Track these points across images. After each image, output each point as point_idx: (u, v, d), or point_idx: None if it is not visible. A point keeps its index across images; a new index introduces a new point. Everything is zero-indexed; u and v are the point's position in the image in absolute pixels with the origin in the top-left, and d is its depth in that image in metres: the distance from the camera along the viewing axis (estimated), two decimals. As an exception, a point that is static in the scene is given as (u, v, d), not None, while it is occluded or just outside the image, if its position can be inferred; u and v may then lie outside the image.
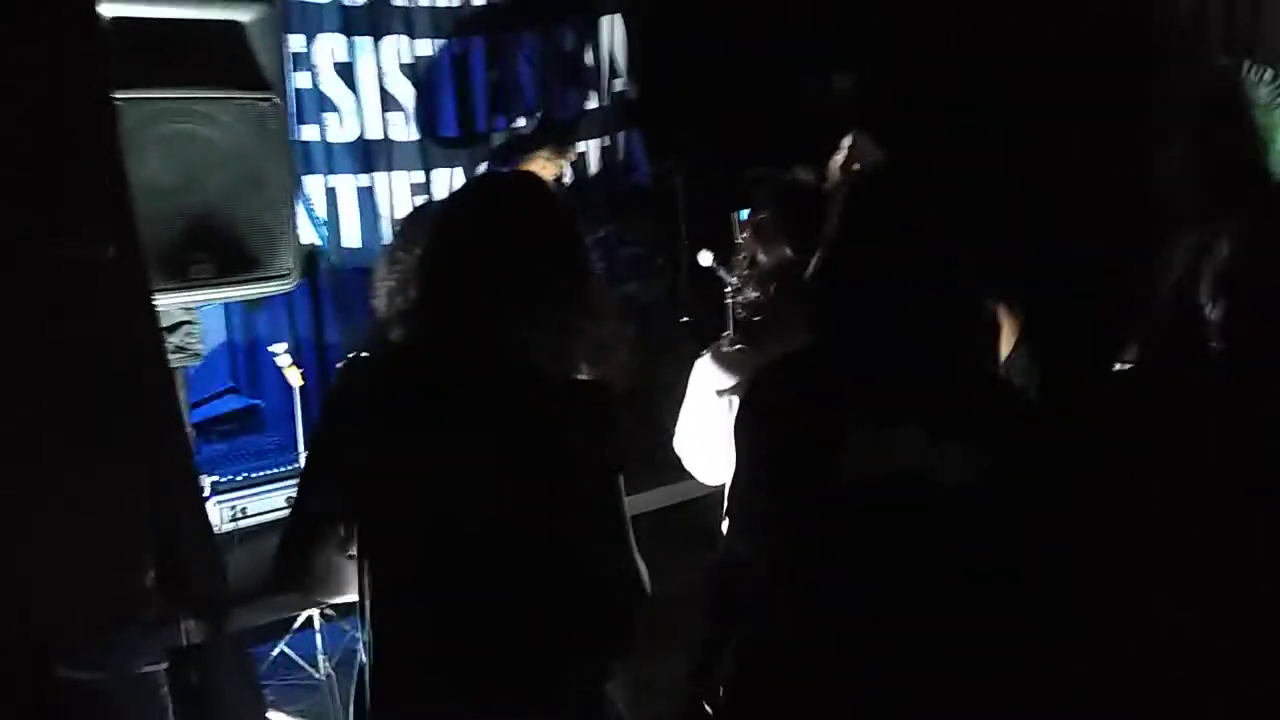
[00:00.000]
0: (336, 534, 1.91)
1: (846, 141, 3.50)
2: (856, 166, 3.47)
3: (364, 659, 1.92)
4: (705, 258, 3.54)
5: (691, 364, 2.59)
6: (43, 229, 2.03)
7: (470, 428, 1.79)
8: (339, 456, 1.87)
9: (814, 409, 1.80)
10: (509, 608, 1.81)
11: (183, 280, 2.94)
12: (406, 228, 2.83)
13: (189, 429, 2.94)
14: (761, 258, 2.46)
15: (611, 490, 1.82)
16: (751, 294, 2.48)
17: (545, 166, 5.47)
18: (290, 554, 1.97)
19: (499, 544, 1.79)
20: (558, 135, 5.66)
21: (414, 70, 5.39)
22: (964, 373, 1.85)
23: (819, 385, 1.83)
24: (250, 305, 4.50)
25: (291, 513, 2.00)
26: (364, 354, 1.99)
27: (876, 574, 1.75)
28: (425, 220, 2.78)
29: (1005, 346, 2.61)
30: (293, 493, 4.27)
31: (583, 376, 1.87)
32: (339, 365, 2.02)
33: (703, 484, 2.69)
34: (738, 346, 2.47)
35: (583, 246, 1.91)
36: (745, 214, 4.20)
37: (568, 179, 5.83)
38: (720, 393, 2.43)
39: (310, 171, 5.20)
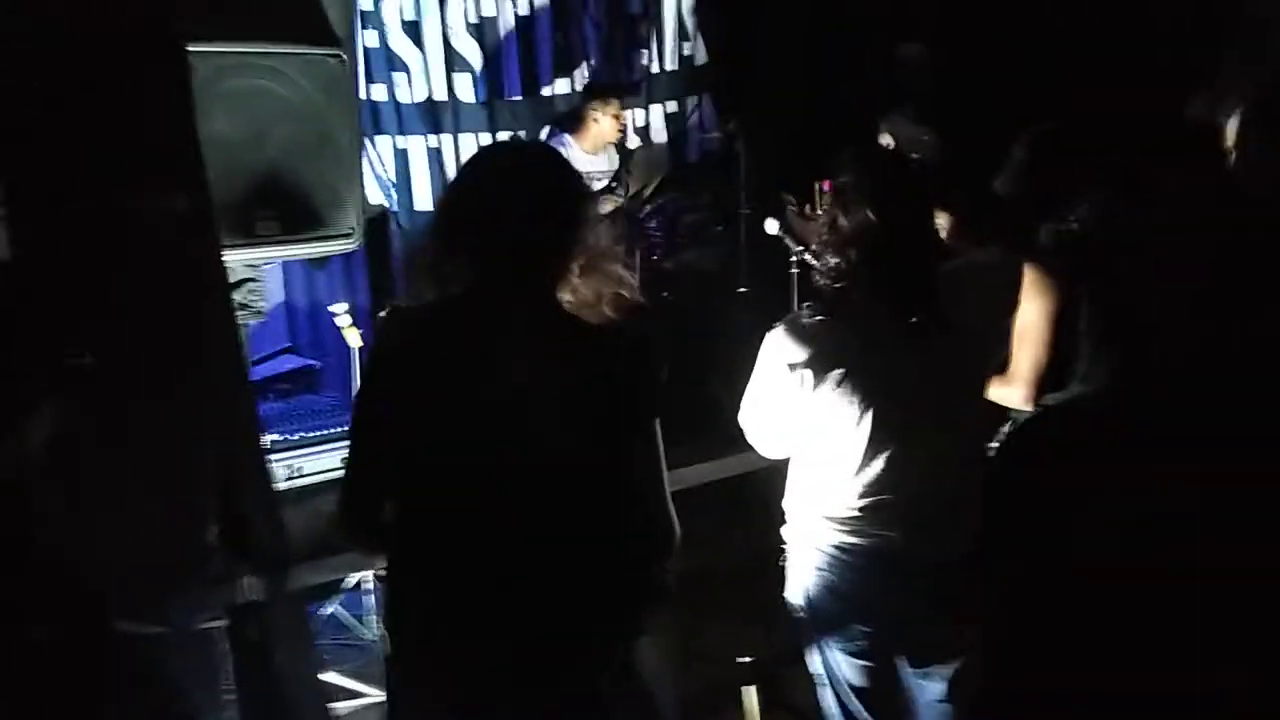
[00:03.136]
0: (393, 488, 1.93)
1: (886, 140, 3.44)
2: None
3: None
4: (771, 225, 3.49)
5: (748, 333, 2.52)
6: (117, 180, 2.02)
7: (519, 374, 1.82)
8: (391, 409, 1.88)
9: None
10: (553, 552, 1.84)
11: (248, 237, 2.92)
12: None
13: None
14: (843, 222, 2.38)
15: (652, 435, 1.89)
16: (831, 260, 2.40)
17: (607, 126, 5.40)
18: (355, 515, 1.98)
19: (544, 488, 1.83)
20: (618, 95, 5.57)
21: (480, 30, 5.34)
22: None
23: None
24: (313, 264, 4.48)
25: (349, 472, 1.99)
26: (403, 305, 1.98)
27: None
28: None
29: None
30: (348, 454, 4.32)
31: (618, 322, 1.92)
32: (380, 317, 2.03)
33: (759, 458, 2.63)
34: (818, 318, 2.37)
35: (587, 201, 1.99)
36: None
37: (632, 141, 5.78)
38: (793, 366, 2.36)
39: (380, 132, 5.19)
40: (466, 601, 1.87)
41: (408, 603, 1.96)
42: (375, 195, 5.30)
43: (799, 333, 2.37)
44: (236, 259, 2.88)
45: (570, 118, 5.53)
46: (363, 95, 5.07)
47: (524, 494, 1.82)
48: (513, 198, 1.88)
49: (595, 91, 5.52)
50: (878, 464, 2.39)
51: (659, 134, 6.01)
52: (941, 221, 2.60)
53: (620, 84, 5.80)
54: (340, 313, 4.01)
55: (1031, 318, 2.62)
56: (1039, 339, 2.72)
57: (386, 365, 1.92)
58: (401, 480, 1.91)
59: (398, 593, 2.02)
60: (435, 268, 1.90)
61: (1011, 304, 2.55)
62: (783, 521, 2.58)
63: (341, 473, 2.01)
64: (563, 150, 5.30)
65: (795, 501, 2.55)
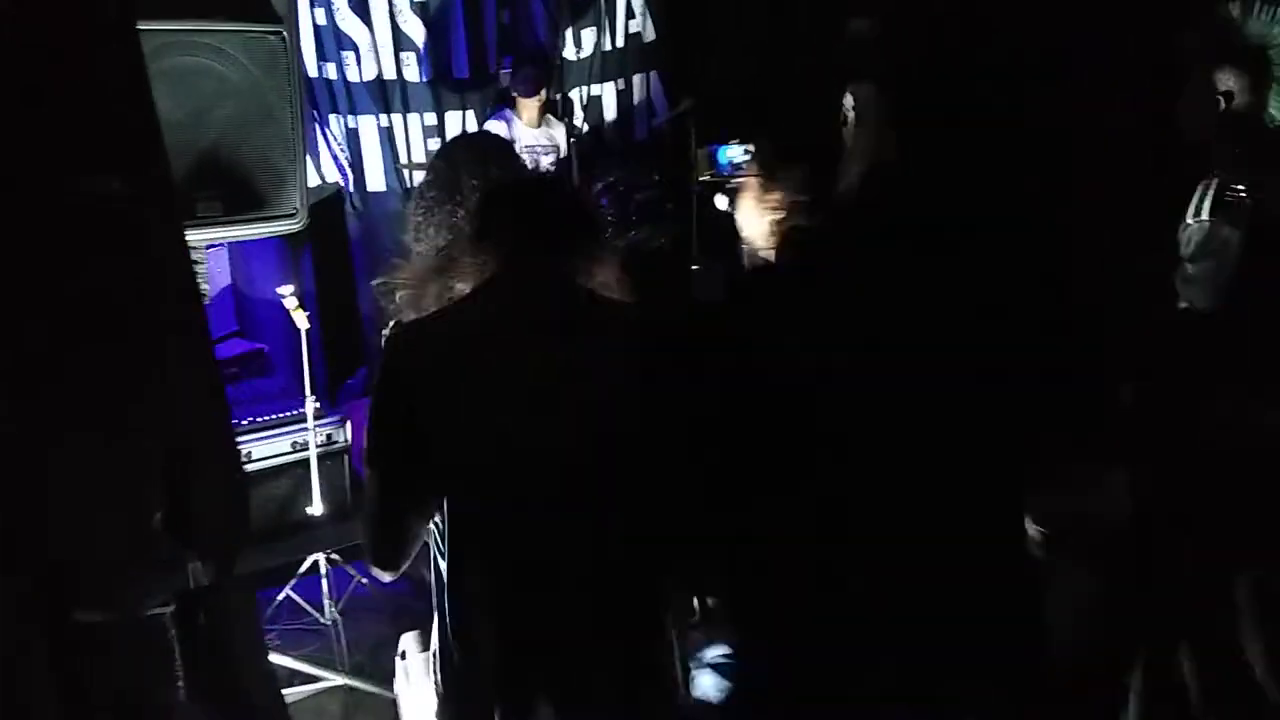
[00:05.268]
0: (423, 506, 1.88)
1: (849, 103, 3.42)
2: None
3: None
4: (721, 201, 3.48)
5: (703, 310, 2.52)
6: (74, 165, 1.97)
7: (561, 356, 1.80)
8: (417, 427, 1.80)
9: None
10: (597, 536, 1.81)
11: (190, 218, 2.86)
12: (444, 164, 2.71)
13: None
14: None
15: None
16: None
17: (532, 107, 5.40)
18: (386, 538, 1.91)
19: (590, 478, 1.80)
20: (549, 77, 5.53)
21: (425, 9, 5.30)
22: None
23: None
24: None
25: (378, 496, 1.89)
26: (408, 321, 1.93)
27: None
28: (460, 157, 2.71)
29: None
30: (299, 437, 4.29)
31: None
32: (387, 335, 1.94)
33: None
34: None
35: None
36: (724, 150, 4.16)
37: (579, 121, 5.77)
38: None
39: (334, 110, 5.17)
40: (529, 594, 1.83)
41: (473, 605, 1.87)
42: (332, 174, 5.27)
43: None
44: (178, 240, 2.84)
45: (508, 95, 5.53)
46: (315, 73, 5.05)
47: (581, 482, 1.79)
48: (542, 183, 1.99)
49: (543, 79, 5.49)
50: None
51: (609, 111, 5.99)
52: None
53: (565, 72, 5.80)
54: (288, 294, 3.97)
55: None
56: None
57: (418, 391, 1.81)
58: (450, 493, 1.85)
59: (460, 599, 1.90)
60: (447, 267, 1.90)
61: None
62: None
63: (367, 508, 1.91)
64: (506, 125, 5.32)
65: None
